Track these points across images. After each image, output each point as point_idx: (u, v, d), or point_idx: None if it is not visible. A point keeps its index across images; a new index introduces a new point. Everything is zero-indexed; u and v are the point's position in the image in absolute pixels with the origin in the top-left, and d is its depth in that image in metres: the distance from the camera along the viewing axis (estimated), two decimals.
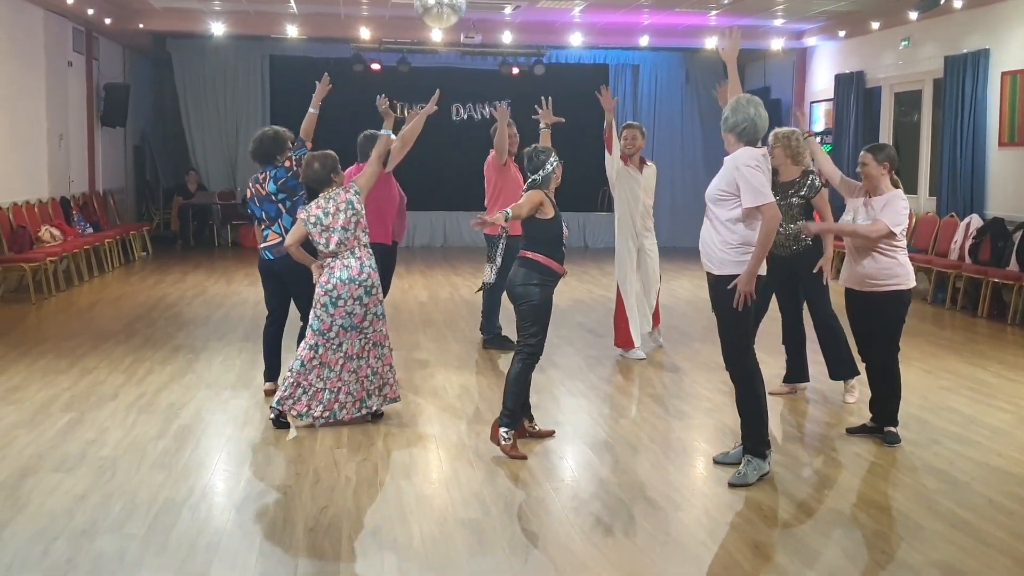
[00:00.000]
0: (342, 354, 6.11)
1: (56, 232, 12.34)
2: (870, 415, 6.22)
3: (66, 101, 14.09)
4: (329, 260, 6.07)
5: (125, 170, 17.50)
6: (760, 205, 5.15)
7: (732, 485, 5.25)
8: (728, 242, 5.24)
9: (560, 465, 5.68)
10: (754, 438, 5.34)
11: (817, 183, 6.81)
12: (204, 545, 4.40)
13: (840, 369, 7.03)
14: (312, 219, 6.02)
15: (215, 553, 4.31)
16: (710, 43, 16.51)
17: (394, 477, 5.37)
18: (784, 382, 7.18)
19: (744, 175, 5.17)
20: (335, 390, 6.16)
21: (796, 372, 7.21)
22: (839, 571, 4.23)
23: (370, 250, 6.20)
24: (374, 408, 6.33)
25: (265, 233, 6.76)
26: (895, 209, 5.89)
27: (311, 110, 7.24)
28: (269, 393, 6.91)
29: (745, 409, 5.37)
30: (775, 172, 6.72)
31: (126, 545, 4.37)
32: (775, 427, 6.47)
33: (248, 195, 6.86)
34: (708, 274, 5.41)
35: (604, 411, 6.82)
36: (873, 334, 6.06)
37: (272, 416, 6.21)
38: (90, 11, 13.72)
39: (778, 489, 5.27)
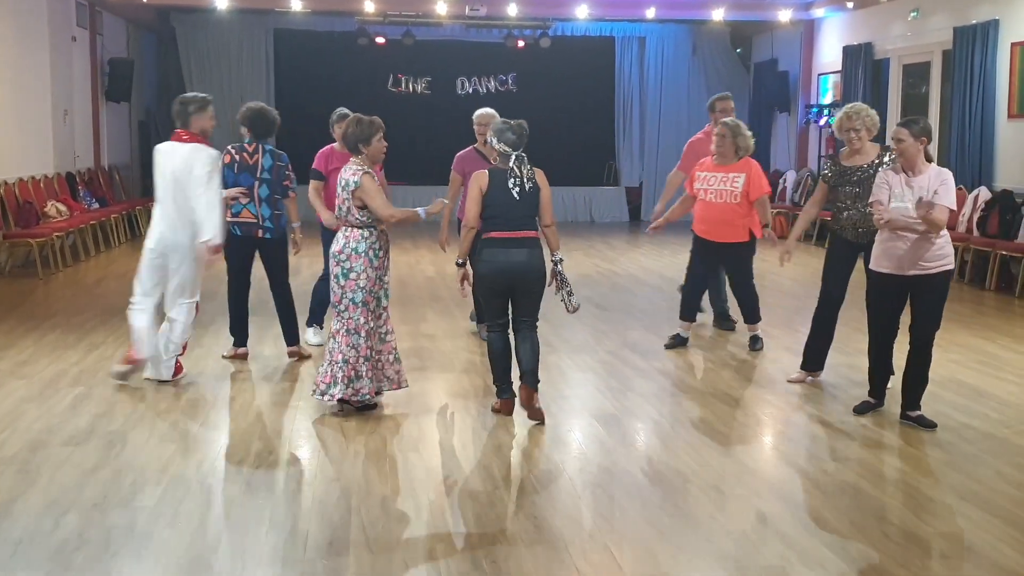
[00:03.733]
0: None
1: (62, 207, 12.33)
2: (869, 390, 6.15)
3: (71, 76, 14.04)
4: (344, 228, 5.94)
5: (130, 145, 17.46)
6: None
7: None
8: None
9: (568, 438, 5.69)
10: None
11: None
12: (214, 517, 4.42)
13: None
14: (341, 183, 5.88)
15: (224, 525, 4.34)
16: (717, 15, 16.40)
17: (402, 449, 5.38)
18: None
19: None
20: (335, 362, 5.88)
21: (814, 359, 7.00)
22: (847, 542, 4.23)
23: (358, 231, 5.84)
24: (338, 396, 5.85)
25: (236, 208, 6.95)
26: (951, 188, 5.69)
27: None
28: (240, 357, 7.29)
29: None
30: (854, 154, 6.46)
31: (136, 518, 4.39)
32: (790, 409, 6.49)
33: (226, 160, 6.91)
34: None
35: (612, 384, 6.82)
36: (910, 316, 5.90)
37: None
38: None
39: (787, 462, 5.28)
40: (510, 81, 18.92)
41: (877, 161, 6.40)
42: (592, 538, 4.26)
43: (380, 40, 17.50)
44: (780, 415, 6.22)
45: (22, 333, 8.12)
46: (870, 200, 5.90)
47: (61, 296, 10.12)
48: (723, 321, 8.54)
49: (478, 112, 7.90)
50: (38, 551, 4.06)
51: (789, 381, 6.87)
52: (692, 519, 4.49)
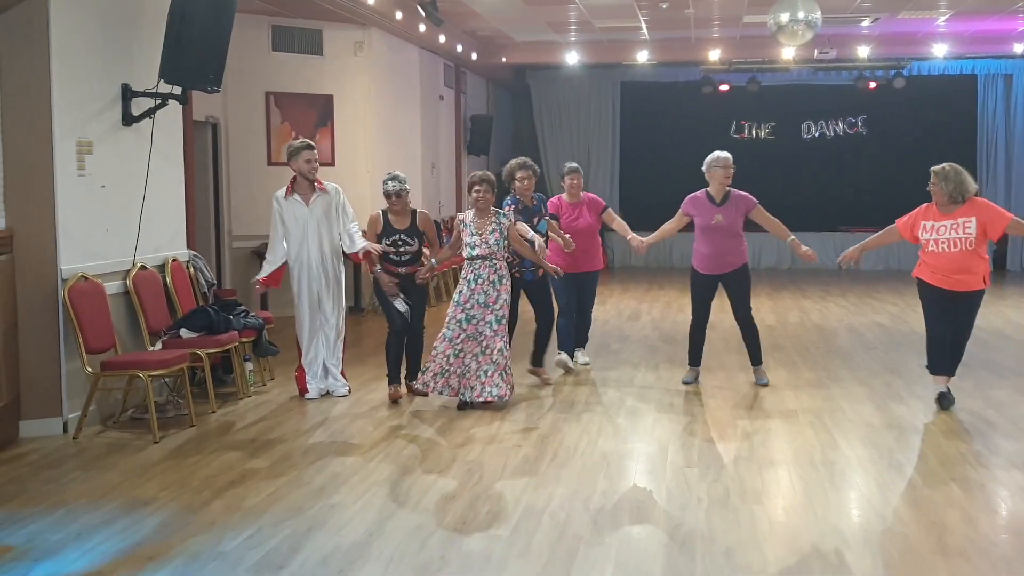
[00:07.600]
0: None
1: (427, 251, 13.42)
2: None
3: (437, 132, 15.37)
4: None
5: None
6: None
7: None
8: None
9: (923, 502, 5.35)
10: None
11: None
12: (563, 551, 4.61)
13: None
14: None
15: (573, 560, 4.50)
16: None
17: (746, 500, 5.32)
18: None
19: None
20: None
21: None
22: None
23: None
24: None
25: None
26: None
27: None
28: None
29: None
30: None
31: (492, 546, 4.68)
32: None
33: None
34: None
35: (974, 447, 6.30)
36: None
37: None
38: (459, 48, 14.89)
39: None
40: (860, 123, 18.22)
41: None
42: None
43: (724, 87, 17.58)
44: None
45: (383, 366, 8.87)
46: None
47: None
48: None
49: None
50: (406, 569, 4.44)
51: None
52: None
